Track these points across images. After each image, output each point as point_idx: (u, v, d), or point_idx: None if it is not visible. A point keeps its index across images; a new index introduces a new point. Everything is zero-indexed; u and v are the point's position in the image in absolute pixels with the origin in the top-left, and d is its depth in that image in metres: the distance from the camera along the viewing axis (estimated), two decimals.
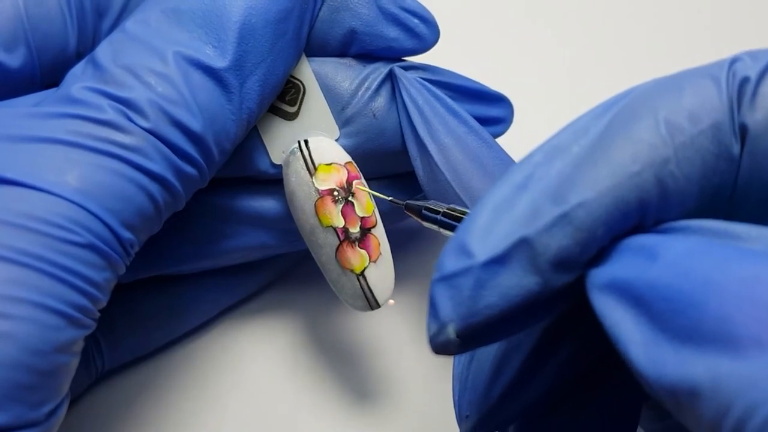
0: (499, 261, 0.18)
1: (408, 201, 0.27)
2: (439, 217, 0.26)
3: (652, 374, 0.17)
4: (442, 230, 0.26)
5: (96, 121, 0.24)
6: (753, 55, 0.20)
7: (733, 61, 0.20)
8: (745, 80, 0.19)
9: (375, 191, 0.29)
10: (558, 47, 0.41)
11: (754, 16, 0.42)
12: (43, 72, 0.27)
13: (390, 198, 0.29)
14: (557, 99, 0.39)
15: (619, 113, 0.19)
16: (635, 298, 0.17)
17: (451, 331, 0.19)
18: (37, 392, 0.22)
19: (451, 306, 0.19)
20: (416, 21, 0.29)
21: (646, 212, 0.19)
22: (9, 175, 0.23)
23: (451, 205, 0.26)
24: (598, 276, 0.18)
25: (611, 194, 0.18)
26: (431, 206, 0.26)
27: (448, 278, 0.19)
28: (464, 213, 0.26)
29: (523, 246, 0.18)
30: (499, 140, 0.31)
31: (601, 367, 0.22)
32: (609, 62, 0.41)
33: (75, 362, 0.24)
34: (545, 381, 0.22)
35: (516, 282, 0.18)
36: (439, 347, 0.19)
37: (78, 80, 0.25)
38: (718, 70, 0.19)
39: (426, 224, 0.26)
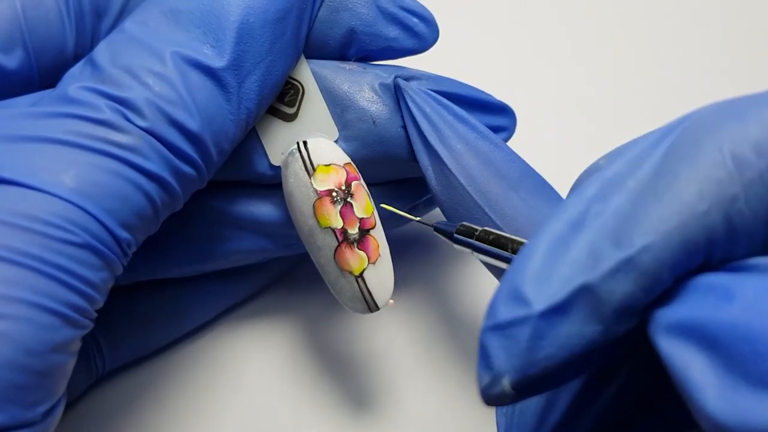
0: (559, 310, 0.17)
1: (436, 223, 0.27)
2: (473, 241, 0.25)
3: (731, 421, 0.15)
4: (475, 254, 0.25)
5: (93, 120, 0.24)
6: None
7: None
8: None
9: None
10: (557, 46, 0.41)
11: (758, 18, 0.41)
12: (41, 74, 0.27)
13: (418, 219, 0.29)
14: (556, 98, 0.39)
15: (677, 143, 0.18)
16: (709, 339, 0.16)
17: (506, 384, 0.18)
18: (33, 392, 0.22)
19: (506, 357, 0.18)
20: (416, 20, 0.29)
21: (712, 251, 0.18)
22: (5, 174, 0.23)
23: (485, 228, 0.25)
24: (665, 317, 0.17)
25: (678, 236, 0.17)
26: (464, 228, 0.25)
27: (502, 327, 0.18)
28: (500, 235, 0.24)
29: (585, 294, 0.17)
30: None
31: (645, 400, 0.21)
32: (609, 62, 0.40)
33: (71, 362, 0.24)
34: (595, 417, 0.21)
35: (576, 331, 0.17)
36: (492, 399, 0.18)
37: (76, 80, 0.25)
38: None
39: (458, 247, 0.25)
